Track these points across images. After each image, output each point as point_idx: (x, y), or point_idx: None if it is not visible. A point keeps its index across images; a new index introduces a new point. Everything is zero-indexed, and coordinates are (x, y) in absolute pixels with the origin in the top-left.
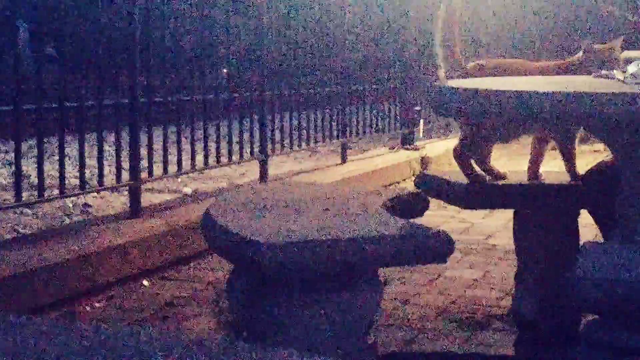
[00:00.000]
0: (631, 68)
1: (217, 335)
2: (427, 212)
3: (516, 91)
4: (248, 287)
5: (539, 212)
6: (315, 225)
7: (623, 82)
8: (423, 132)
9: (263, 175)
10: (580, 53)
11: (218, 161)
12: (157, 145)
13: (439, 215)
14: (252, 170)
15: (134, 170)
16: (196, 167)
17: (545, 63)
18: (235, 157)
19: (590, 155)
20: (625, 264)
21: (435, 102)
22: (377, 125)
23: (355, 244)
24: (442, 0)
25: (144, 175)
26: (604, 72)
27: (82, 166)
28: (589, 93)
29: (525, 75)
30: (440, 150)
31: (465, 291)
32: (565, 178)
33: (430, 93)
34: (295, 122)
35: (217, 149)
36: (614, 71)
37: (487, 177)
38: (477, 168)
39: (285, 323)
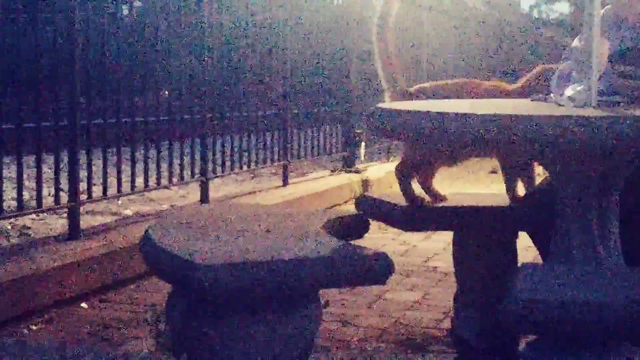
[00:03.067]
0: (568, 91)
1: (156, 357)
2: (368, 234)
3: (450, 113)
4: (187, 308)
5: (478, 234)
6: (255, 247)
7: (559, 105)
8: (365, 154)
9: (204, 197)
10: (533, 74)
11: (158, 183)
12: (97, 167)
13: (380, 238)
14: (193, 192)
15: (73, 191)
16: (136, 189)
17: (495, 83)
18: (175, 179)
19: None
20: (561, 284)
21: (373, 124)
22: (318, 147)
23: (294, 265)
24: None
25: (83, 197)
26: (541, 95)
27: (20, 188)
28: (522, 116)
29: (473, 95)
30: (381, 173)
31: (405, 313)
32: (504, 200)
33: (368, 115)
34: (236, 144)
35: (158, 170)
36: (551, 94)
37: (427, 199)
38: (417, 189)
39: (225, 345)
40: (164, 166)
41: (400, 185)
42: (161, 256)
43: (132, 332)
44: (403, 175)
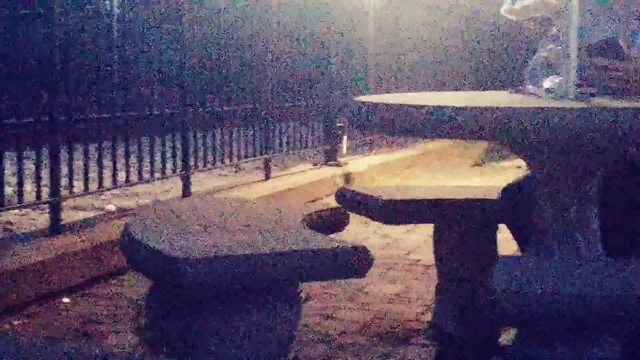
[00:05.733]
0: (546, 83)
1: (137, 351)
2: (349, 228)
3: (433, 106)
4: (167, 303)
5: (458, 226)
6: (235, 241)
7: (538, 96)
8: (347, 148)
9: (185, 191)
10: None
11: (140, 177)
12: (79, 163)
13: (361, 231)
14: (177, 186)
15: (54, 187)
16: (118, 184)
17: None
18: (158, 174)
19: (513, 170)
20: (539, 276)
21: (354, 117)
22: (301, 141)
23: (274, 259)
24: None
25: (65, 192)
26: (519, 87)
27: (1, 184)
28: (502, 108)
29: None
30: (364, 166)
31: (386, 306)
32: (484, 193)
33: (349, 108)
34: (218, 139)
35: (140, 165)
36: (529, 86)
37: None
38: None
39: (205, 339)
40: (147, 161)
41: None
42: (140, 251)
43: (113, 326)
44: None
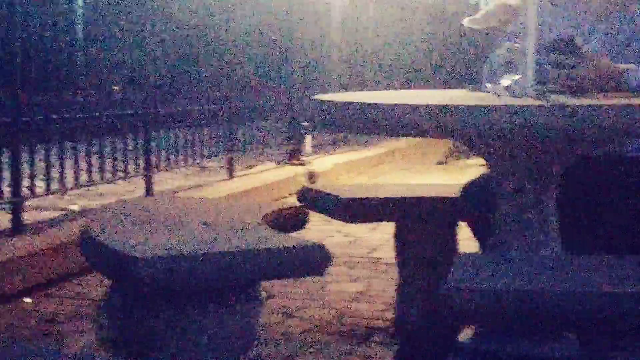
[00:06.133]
0: (504, 81)
1: (97, 352)
2: (312, 226)
3: (389, 104)
4: (126, 302)
5: (418, 224)
6: (193, 240)
7: (497, 95)
8: (313, 147)
9: (148, 191)
10: None
11: (102, 177)
12: (41, 163)
13: (324, 230)
14: (141, 186)
15: (16, 187)
16: (80, 184)
17: None
18: (121, 174)
19: (476, 168)
20: (497, 273)
21: (314, 115)
22: (264, 140)
23: (231, 258)
24: None
25: (26, 192)
26: (478, 85)
27: None
28: (458, 106)
29: None
30: (328, 164)
31: (348, 304)
32: (445, 190)
33: (309, 107)
34: (181, 138)
35: (102, 165)
36: (488, 84)
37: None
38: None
39: (165, 339)
40: (110, 161)
41: None
42: (99, 250)
43: (75, 326)
44: None
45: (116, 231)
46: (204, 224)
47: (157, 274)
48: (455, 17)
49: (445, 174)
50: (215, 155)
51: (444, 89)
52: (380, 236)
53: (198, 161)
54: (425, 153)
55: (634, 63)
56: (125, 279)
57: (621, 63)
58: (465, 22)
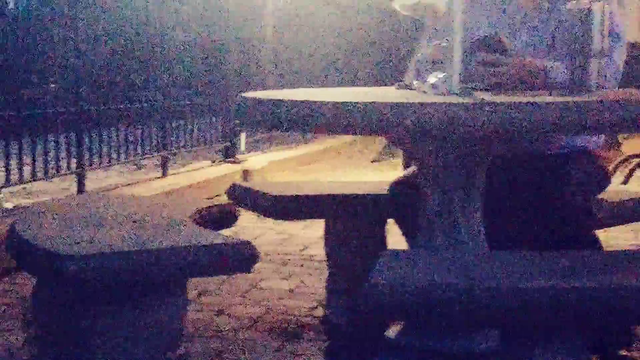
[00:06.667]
0: (431, 78)
1: (25, 350)
2: (245, 224)
3: (313, 101)
4: (53, 300)
5: (347, 221)
6: (121, 237)
7: (423, 92)
8: (247, 145)
9: (81, 189)
10: None
11: (34, 176)
12: None
13: (258, 227)
14: (75, 184)
15: None
16: (11, 182)
17: None
18: (53, 171)
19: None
20: (421, 269)
21: (238, 113)
22: (199, 138)
23: (157, 255)
24: None
25: None
26: (404, 82)
27: None
28: (383, 103)
29: None
30: (263, 162)
31: (279, 301)
32: (375, 188)
33: (235, 104)
34: (115, 136)
35: (33, 163)
36: (415, 82)
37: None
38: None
39: (91, 336)
40: (42, 159)
41: None
42: (26, 248)
43: (3, 324)
44: None
45: (44, 229)
46: (134, 221)
47: (83, 271)
48: (391, 15)
49: (378, 172)
50: (150, 153)
51: (378, 85)
52: (313, 233)
53: (132, 159)
54: (361, 151)
55: (559, 61)
56: (53, 277)
57: (546, 61)
58: (398, 5)
